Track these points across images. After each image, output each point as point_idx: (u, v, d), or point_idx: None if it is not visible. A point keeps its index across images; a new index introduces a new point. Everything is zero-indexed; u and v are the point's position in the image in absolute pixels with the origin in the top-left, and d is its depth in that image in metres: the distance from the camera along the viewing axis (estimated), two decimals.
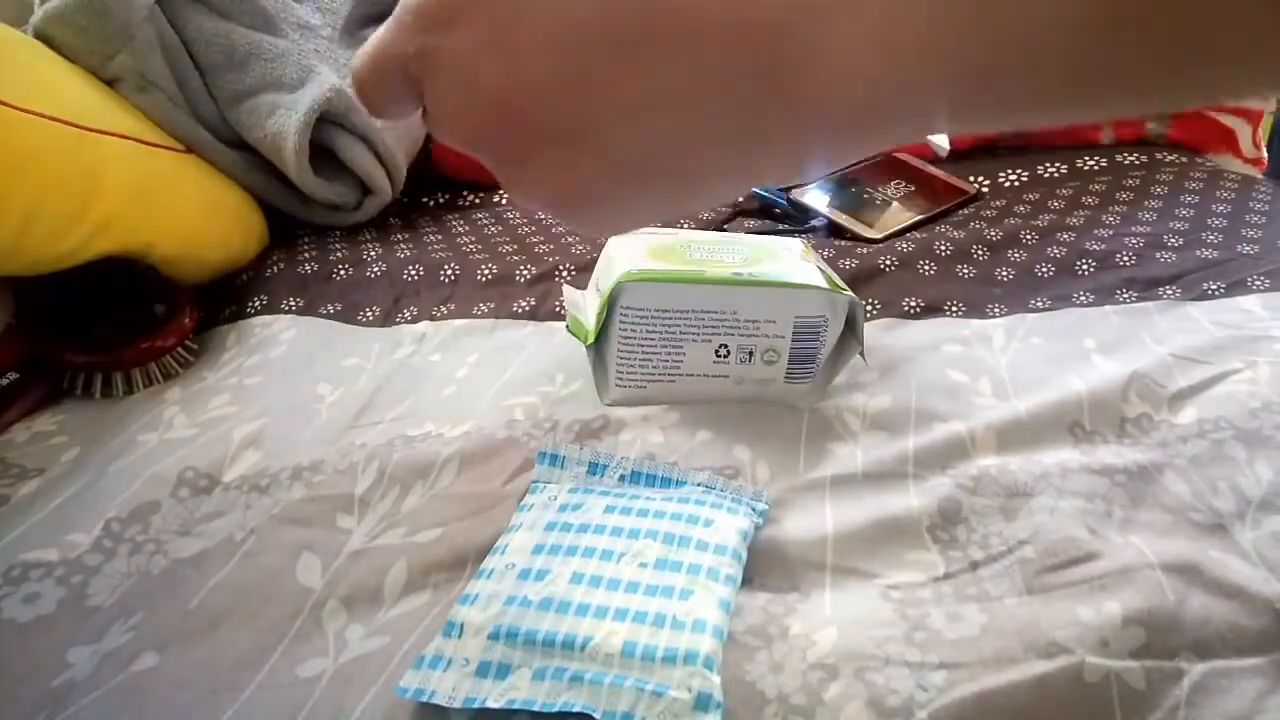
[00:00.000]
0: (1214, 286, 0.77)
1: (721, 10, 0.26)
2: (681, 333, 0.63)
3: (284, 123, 0.91)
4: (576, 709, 0.42)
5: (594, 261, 0.71)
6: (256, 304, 0.84)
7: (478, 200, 1.10)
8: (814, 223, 0.99)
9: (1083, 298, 0.78)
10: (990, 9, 0.23)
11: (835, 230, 0.98)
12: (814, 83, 0.26)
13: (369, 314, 0.82)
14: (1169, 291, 0.78)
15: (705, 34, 0.26)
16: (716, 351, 0.64)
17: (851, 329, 0.65)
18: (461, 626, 0.46)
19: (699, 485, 0.56)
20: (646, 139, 0.29)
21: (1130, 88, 0.25)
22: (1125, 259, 0.84)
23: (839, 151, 0.29)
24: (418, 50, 0.29)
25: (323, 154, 0.96)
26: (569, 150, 0.29)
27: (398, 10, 0.30)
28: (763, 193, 1.02)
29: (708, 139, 0.28)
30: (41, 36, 0.85)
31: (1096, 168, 1.09)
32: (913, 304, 0.79)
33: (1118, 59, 0.23)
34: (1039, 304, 0.78)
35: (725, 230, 0.99)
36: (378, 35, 0.30)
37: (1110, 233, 0.91)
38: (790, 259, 0.67)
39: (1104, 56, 0.23)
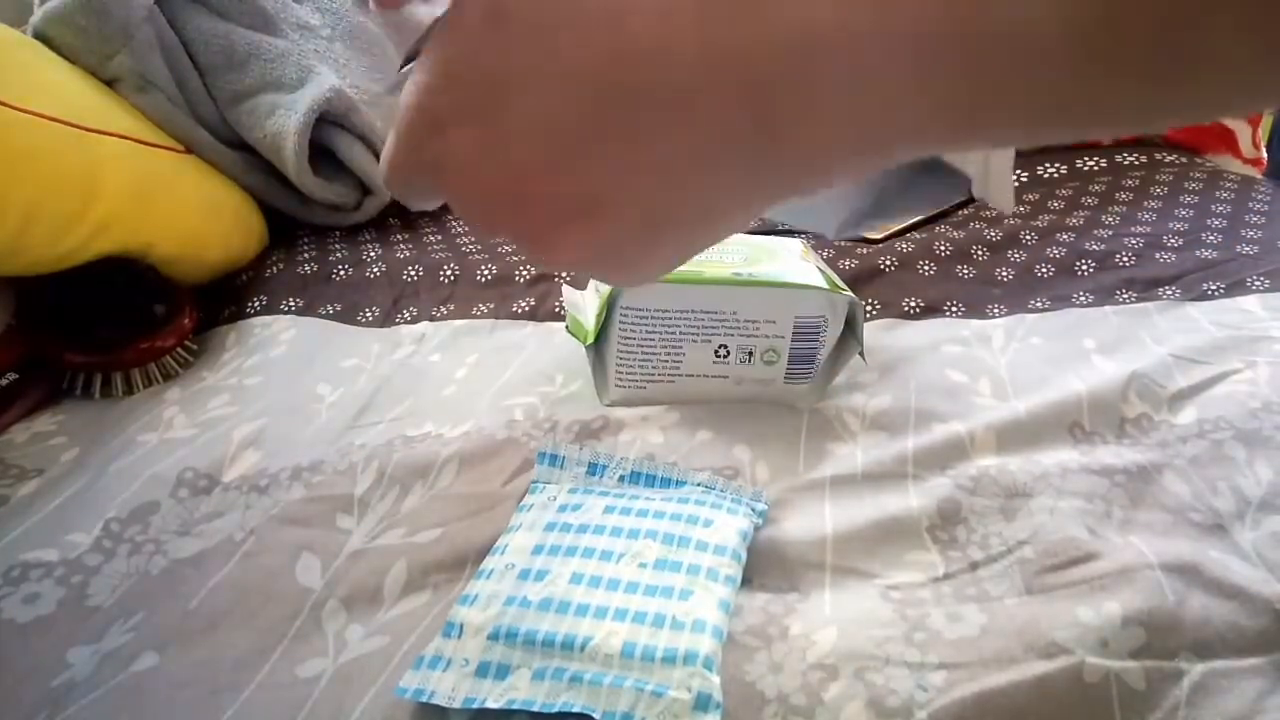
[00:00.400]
0: (1214, 287, 0.77)
1: (705, 72, 0.26)
2: (681, 333, 0.63)
3: (283, 123, 0.91)
4: (576, 709, 0.42)
5: None
6: (256, 304, 0.84)
7: None
8: None
9: (1082, 298, 0.78)
10: (974, 49, 0.23)
11: None
12: (808, 129, 0.26)
13: (369, 314, 0.82)
14: (1169, 292, 0.78)
15: (693, 98, 0.27)
16: (716, 352, 0.64)
17: (851, 329, 0.65)
18: (461, 627, 0.46)
19: (699, 485, 0.56)
20: (657, 200, 0.29)
21: (1114, 117, 0.26)
22: (1125, 259, 0.84)
23: (840, 180, 0.30)
24: (421, 160, 0.31)
25: (322, 154, 0.96)
26: (584, 225, 0.30)
27: (395, 125, 0.32)
28: None
29: (714, 190, 0.29)
30: (41, 37, 0.85)
31: (1096, 168, 1.09)
32: (912, 304, 0.79)
33: (1102, 91, 0.24)
34: (1039, 304, 0.78)
35: None
36: (388, 147, 0.32)
37: (1110, 233, 0.91)
38: (790, 259, 0.67)
39: (1089, 89, 0.24)
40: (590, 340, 0.64)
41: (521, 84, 0.28)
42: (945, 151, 0.31)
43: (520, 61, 0.29)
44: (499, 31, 0.29)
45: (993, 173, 0.46)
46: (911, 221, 0.97)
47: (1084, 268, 0.84)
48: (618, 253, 0.32)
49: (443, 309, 0.82)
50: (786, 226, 0.94)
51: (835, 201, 0.49)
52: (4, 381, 0.72)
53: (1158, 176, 1.06)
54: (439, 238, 0.97)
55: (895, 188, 0.50)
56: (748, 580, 0.50)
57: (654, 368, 0.64)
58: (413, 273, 0.87)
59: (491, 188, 0.31)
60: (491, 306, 0.81)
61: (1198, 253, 0.84)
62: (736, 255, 0.66)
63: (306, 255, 0.93)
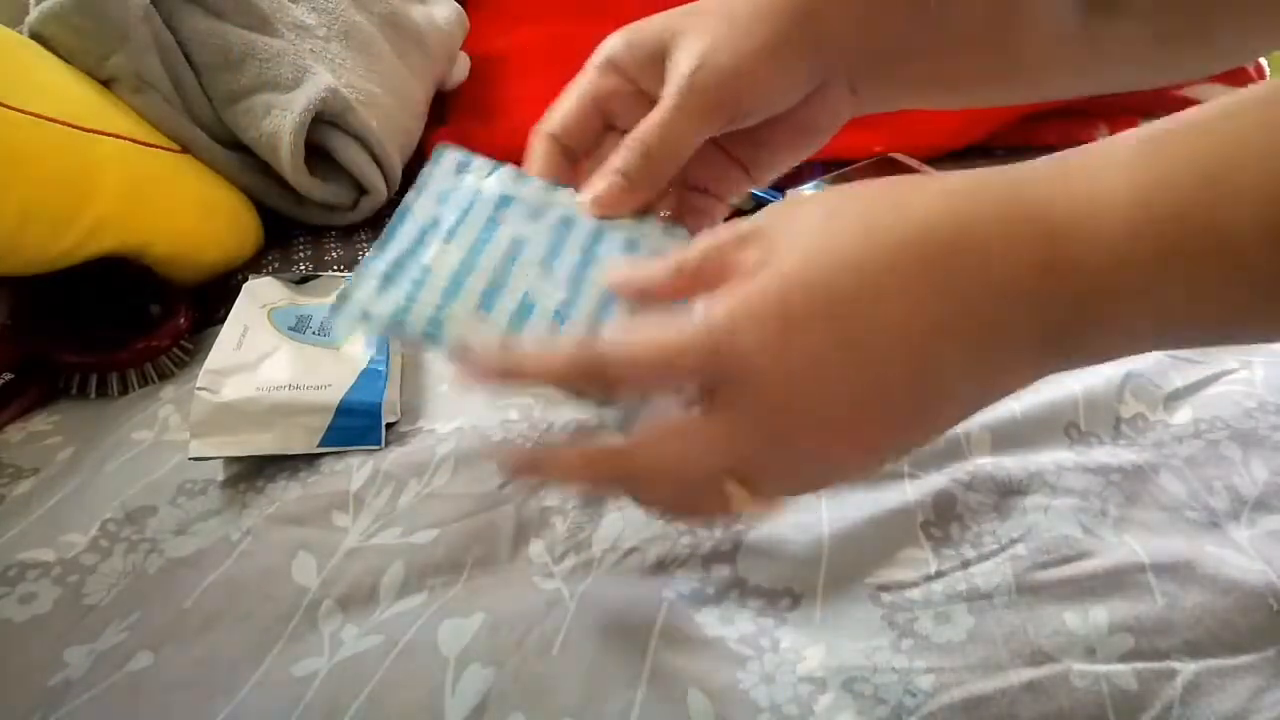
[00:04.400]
0: None
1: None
2: None
3: (279, 123, 0.91)
4: None
5: None
6: None
7: None
8: None
9: None
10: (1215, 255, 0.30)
11: None
12: (1092, 347, 0.35)
13: None
14: None
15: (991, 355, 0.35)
16: None
17: None
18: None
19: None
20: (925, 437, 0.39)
21: None
22: None
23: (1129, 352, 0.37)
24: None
25: (318, 154, 0.96)
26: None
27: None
28: (759, 193, 1.02)
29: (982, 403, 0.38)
30: (37, 37, 0.85)
31: None
32: None
33: None
34: None
35: None
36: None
37: None
38: None
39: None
40: None
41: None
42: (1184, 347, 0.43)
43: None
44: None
45: None
46: None
47: None
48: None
49: None
50: None
51: None
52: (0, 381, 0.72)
53: None
54: None
55: None
56: (741, 581, 0.50)
57: None
58: None
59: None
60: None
61: None
62: None
63: (302, 255, 0.93)
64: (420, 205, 0.46)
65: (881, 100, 0.50)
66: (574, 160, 0.49)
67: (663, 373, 0.37)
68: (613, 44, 0.48)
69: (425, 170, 0.48)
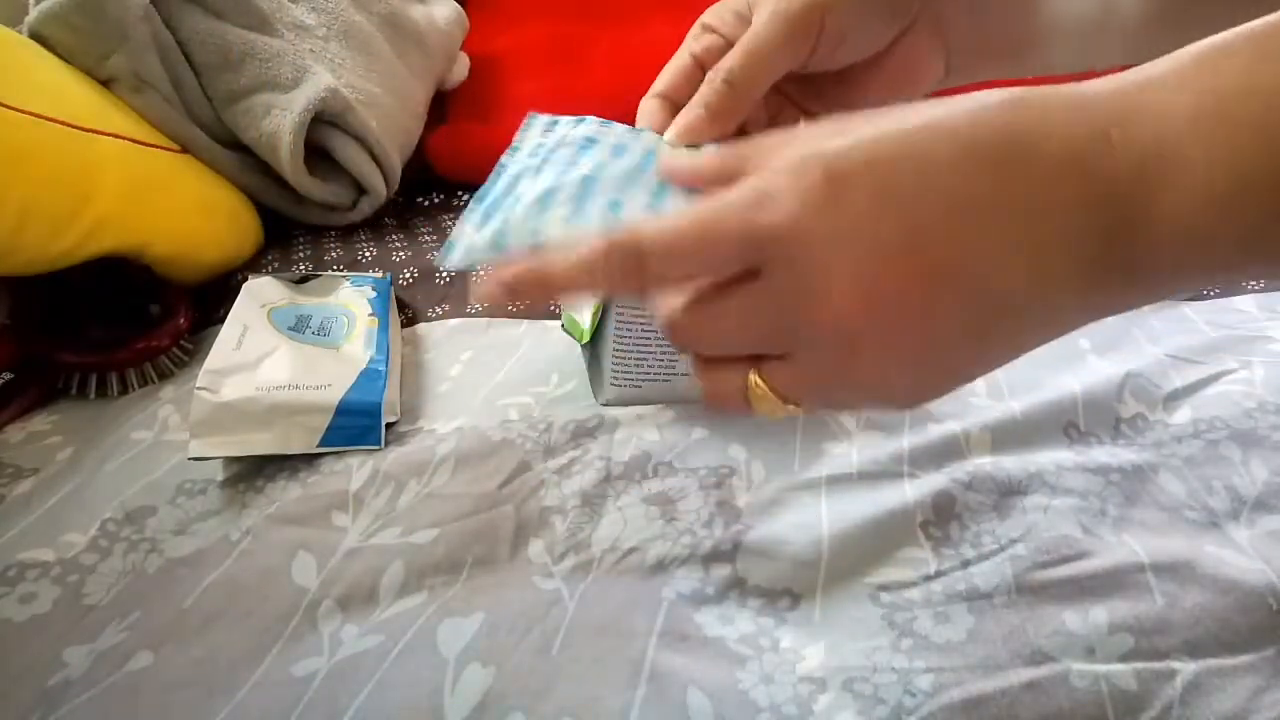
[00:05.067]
0: (1209, 286, 0.77)
1: (1062, 187, 0.31)
2: None
3: (279, 123, 0.91)
4: None
5: None
6: None
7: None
8: None
9: None
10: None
11: None
12: (1150, 243, 0.31)
13: None
14: None
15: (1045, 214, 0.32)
16: None
17: None
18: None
19: None
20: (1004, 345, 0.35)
21: None
22: None
23: (1164, 296, 0.35)
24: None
25: (318, 154, 0.96)
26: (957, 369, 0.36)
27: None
28: None
29: (1052, 308, 0.34)
30: (36, 36, 0.85)
31: None
32: None
33: None
34: None
35: None
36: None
37: None
38: None
39: None
40: (586, 339, 0.64)
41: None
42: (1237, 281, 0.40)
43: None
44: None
45: None
46: None
47: None
48: (985, 367, 0.36)
49: (438, 309, 0.82)
50: None
51: None
52: None
53: None
54: (434, 238, 0.97)
55: None
56: (741, 580, 0.50)
57: (650, 367, 0.64)
58: (409, 274, 0.87)
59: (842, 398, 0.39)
60: (486, 305, 0.81)
61: None
62: None
63: (302, 255, 0.93)
64: (513, 161, 0.46)
65: (967, 66, 0.50)
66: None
67: (702, 250, 0.35)
68: (708, 10, 0.49)
69: (518, 135, 0.48)
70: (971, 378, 0.36)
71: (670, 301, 0.37)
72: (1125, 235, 0.31)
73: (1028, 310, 0.33)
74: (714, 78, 0.45)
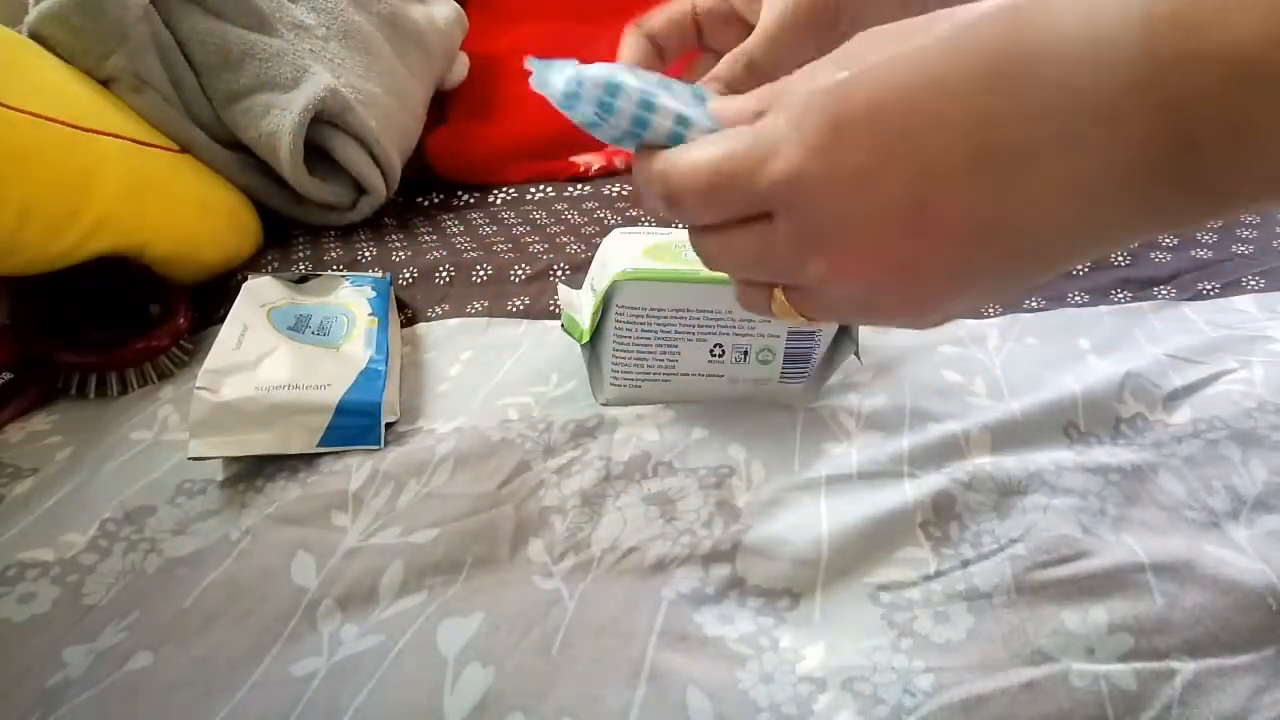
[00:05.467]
0: (1209, 286, 0.77)
1: (1137, 89, 0.26)
2: (676, 332, 0.63)
3: (278, 123, 0.91)
4: None
5: (588, 261, 0.71)
6: None
7: (472, 200, 1.10)
8: None
9: (1077, 298, 0.78)
10: None
11: None
12: (1231, 160, 0.26)
13: None
14: (1164, 291, 0.78)
15: (1117, 114, 0.27)
16: (711, 351, 0.64)
17: (846, 329, 0.65)
18: None
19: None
20: (1048, 232, 0.31)
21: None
22: (1120, 259, 0.85)
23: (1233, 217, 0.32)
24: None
25: (317, 154, 0.96)
26: (966, 295, 0.34)
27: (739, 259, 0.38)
28: None
29: (1107, 221, 0.30)
30: (36, 36, 0.85)
31: None
32: None
33: None
34: (1033, 304, 0.78)
35: None
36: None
37: None
38: None
39: None
40: (585, 339, 0.64)
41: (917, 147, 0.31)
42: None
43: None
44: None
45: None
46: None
47: (1079, 267, 0.84)
48: (998, 290, 0.35)
49: (438, 309, 0.82)
50: None
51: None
52: None
53: None
54: (434, 238, 0.97)
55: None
56: (740, 580, 0.50)
57: (649, 367, 0.64)
58: (408, 274, 0.87)
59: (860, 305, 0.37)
60: (486, 304, 0.81)
61: (1193, 252, 0.84)
62: None
63: (301, 255, 0.93)
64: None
65: None
66: (662, 59, 0.50)
67: (716, 200, 0.36)
68: None
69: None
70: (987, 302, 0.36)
71: (696, 227, 0.39)
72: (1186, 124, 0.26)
73: (1054, 247, 0.31)
74: (736, 58, 0.45)
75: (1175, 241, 0.87)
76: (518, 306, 0.81)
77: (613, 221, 0.97)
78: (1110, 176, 0.28)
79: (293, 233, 0.99)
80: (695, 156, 0.36)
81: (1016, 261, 0.32)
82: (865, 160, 0.31)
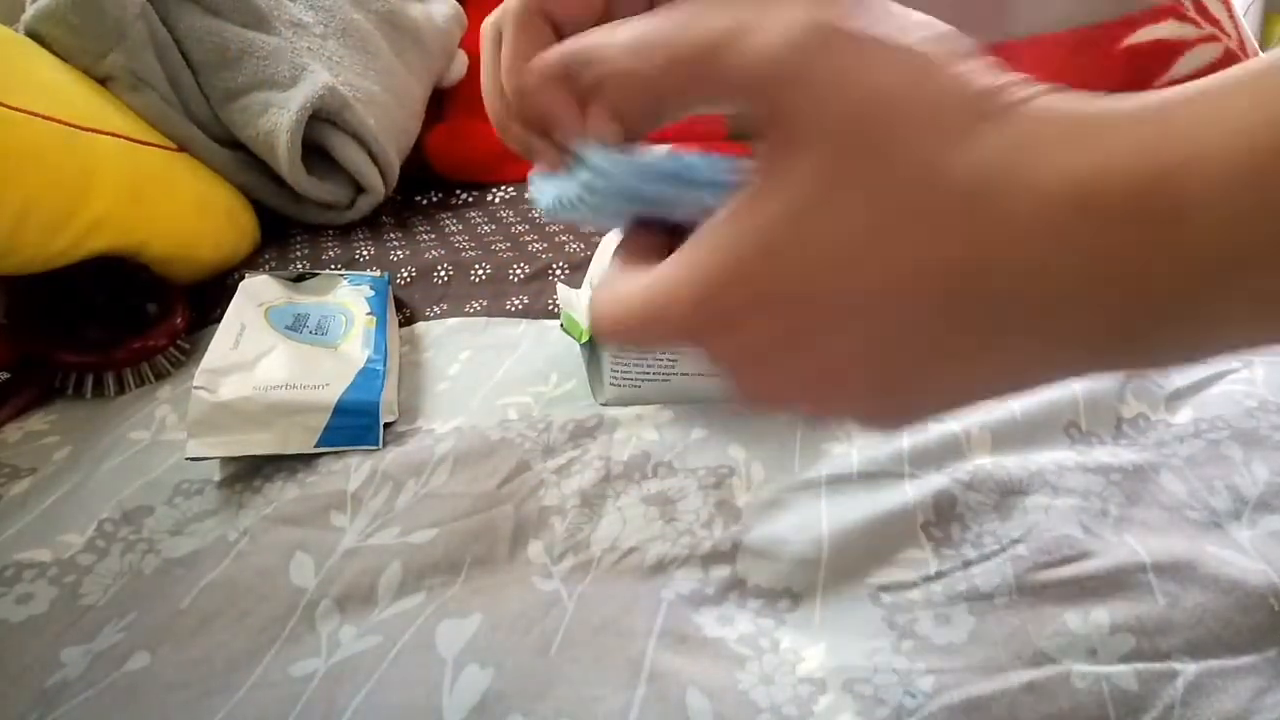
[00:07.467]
0: None
1: (1088, 284, 0.23)
2: None
3: (276, 121, 0.91)
4: None
5: (588, 260, 0.71)
6: None
7: (471, 199, 1.10)
8: None
9: None
10: None
11: None
12: (1171, 336, 0.24)
13: None
14: None
15: (1063, 308, 0.24)
16: None
17: None
18: None
19: None
20: (971, 394, 0.28)
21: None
22: None
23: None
24: (685, 339, 0.29)
25: (315, 152, 0.96)
26: (884, 404, 0.29)
27: (650, 294, 0.29)
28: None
29: (1035, 382, 0.27)
30: (33, 35, 0.85)
31: None
32: None
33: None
34: None
35: None
36: (631, 305, 0.29)
37: None
38: None
39: None
40: (585, 339, 0.64)
41: (849, 280, 0.26)
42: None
43: (848, 253, 0.25)
44: (826, 212, 0.25)
45: None
46: None
47: None
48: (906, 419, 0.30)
49: (436, 308, 0.82)
50: None
51: None
52: None
53: None
54: (432, 236, 0.97)
55: None
56: (741, 581, 0.50)
57: (649, 366, 0.64)
58: (407, 273, 0.87)
59: (788, 380, 0.29)
60: (485, 304, 0.81)
61: None
62: None
63: (299, 254, 0.93)
64: None
65: None
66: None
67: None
68: None
69: None
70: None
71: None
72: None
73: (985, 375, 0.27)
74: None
75: None
76: (517, 306, 0.81)
77: None
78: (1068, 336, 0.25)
79: (290, 231, 0.99)
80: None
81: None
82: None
